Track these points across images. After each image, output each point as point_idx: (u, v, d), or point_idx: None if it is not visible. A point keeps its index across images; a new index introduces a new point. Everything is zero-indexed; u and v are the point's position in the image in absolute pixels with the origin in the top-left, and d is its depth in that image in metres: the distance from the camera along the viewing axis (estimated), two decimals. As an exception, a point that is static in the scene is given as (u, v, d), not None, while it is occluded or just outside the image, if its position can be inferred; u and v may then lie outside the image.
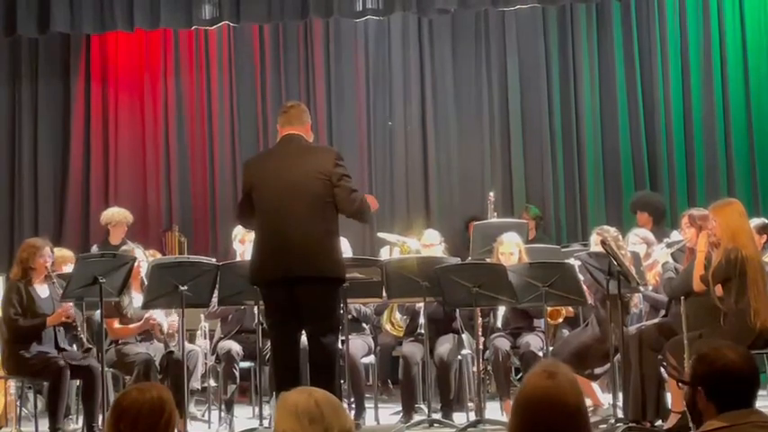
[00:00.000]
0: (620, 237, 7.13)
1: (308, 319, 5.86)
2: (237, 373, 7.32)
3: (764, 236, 7.51)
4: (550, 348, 7.07)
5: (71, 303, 6.97)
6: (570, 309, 7.48)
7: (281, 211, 5.85)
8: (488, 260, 7.62)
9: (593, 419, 6.86)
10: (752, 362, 3.06)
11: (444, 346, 7.35)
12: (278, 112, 6.33)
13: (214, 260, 7.63)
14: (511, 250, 7.44)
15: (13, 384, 7.57)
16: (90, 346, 7.13)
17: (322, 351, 5.84)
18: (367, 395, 7.61)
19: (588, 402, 7.11)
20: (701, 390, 3.05)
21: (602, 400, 7.14)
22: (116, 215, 9.34)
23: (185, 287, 6.63)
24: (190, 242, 10.68)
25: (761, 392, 3.18)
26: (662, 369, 6.45)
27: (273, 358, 6.14)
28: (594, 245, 7.15)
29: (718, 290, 6.10)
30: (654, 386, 6.54)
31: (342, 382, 6.66)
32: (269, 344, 7.25)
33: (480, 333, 7.26)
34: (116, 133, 11.04)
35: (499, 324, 7.48)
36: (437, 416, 7.13)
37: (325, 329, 5.87)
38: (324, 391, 2.87)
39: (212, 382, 7.65)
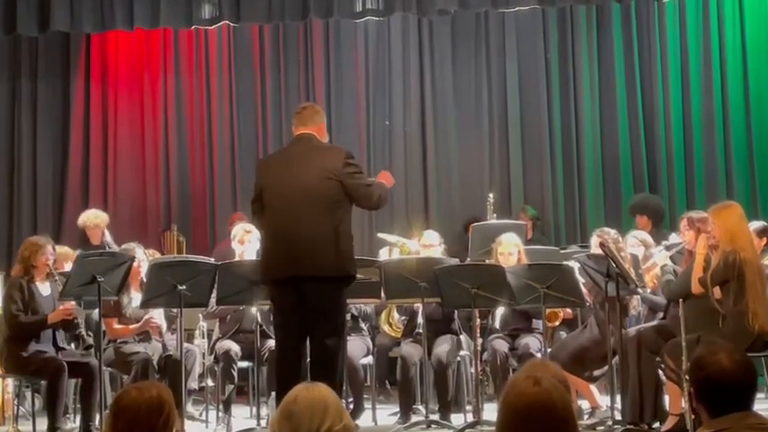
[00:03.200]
0: (620, 239, 7.14)
1: (313, 318, 5.85)
2: (236, 374, 7.33)
3: (764, 239, 7.52)
4: (548, 350, 7.06)
5: (73, 302, 6.98)
6: (568, 311, 7.47)
7: (288, 210, 5.88)
8: (488, 261, 7.62)
9: (591, 421, 6.88)
10: (746, 369, 3.05)
11: (442, 347, 7.34)
12: (292, 114, 6.39)
13: (213, 260, 7.63)
14: (510, 250, 7.44)
15: (10, 383, 7.57)
16: (92, 343, 7.13)
17: (325, 352, 5.84)
18: (365, 396, 7.61)
19: (586, 404, 7.12)
20: (693, 391, 3.07)
21: (601, 401, 7.14)
22: (93, 218, 9.29)
23: (184, 287, 6.63)
24: (188, 241, 10.69)
25: (759, 395, 3.18)
26: (660, 371, 6.45)
27: (277, 360, 6.10)
28: (595, 246, 7.15)
29: (717, 292, 6.10)
30: (652, 388, 6.53)
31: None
32: (267, 344, 7.27)
33: (479, 334, 7.26)
34: (115, 132, 11.05)
35: (497, 325, 7.47)
36: (435, 417, 7.12)
37: (330, 331, 5.87)
38: (318, 387, 2.87)
39: (210, 382, 7.64)
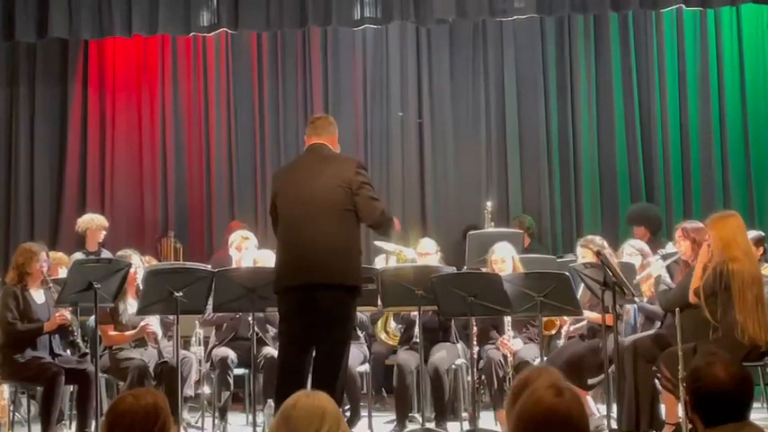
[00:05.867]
0: (606, 245, 7.14)
1: (322, 326, 5.80)
2: (231, 380, 7.32)
3: (761, 248, 7.52)
4: (545, 359, 7.06)
5: (68, 309, 6.97)
6: (565, 319, 7.47)
7: (300, 219, 5.84)
8: (484, 270, 7.62)
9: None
10: (742, 380, 3.05)
11: (439, 355, 7.34)
12: (306, 124, 6.40)
13: (209, 267, 7.63)
14: (503, 259, 7.45)
15: (6, 389, 7.55)
16: (86, 351, 7.12)
17: (329, 360, 5.81)
18: (361, 404, 7.60)
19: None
20: (689, 401, 3.08)
21: (594, 410, 7.13)
22: (93, 222, 9.30)
23: (180, 293, 6.62)
24: (185, 248, 10.69)
25: (756, 405, 3.19)
26: (656, 380, 6.45)
27: (279, 368, 6.02)
28: (582, 257, 7.16)
29: (704, 303, 6.09)
30: (648, 397, 6.53)
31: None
32: (263, 351, 7.27)
33: (475, 342, 7.25)
34: (113, 139, 11.06)
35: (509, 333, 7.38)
36: (431, 425, 7.12)
37: (336, 339, 5.84)
38: (318, 396, 2.88)
39: (206, 389, 7.64)
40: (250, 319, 7.03)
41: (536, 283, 6.73)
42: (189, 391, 7.29)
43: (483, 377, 7.37)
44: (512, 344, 7.25)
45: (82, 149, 11.03)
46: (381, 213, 5.96)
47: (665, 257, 7.00)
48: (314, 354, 5.90)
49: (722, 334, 6.03)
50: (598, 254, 6.62)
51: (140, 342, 7.36)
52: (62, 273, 7.64)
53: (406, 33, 10.91)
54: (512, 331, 7.29)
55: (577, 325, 7.27)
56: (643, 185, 10.62)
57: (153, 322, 7.30)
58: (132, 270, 7.14)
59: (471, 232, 8.89)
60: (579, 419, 2.66)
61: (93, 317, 7.03)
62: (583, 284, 6.99)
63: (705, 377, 3.03)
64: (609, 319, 6.65)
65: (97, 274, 6.63)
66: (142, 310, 6.97)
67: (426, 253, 7.85)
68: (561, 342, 7.52)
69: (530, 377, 3.11)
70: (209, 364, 7.50)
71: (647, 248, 7.55)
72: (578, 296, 6.99)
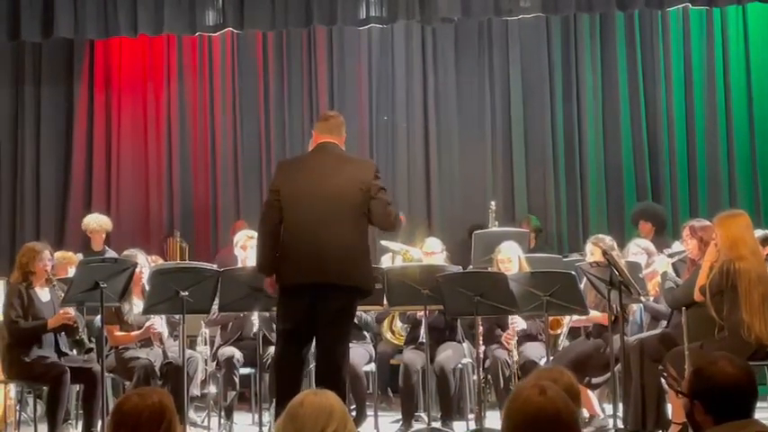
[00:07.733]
0: (615, 245, 7.14)
1: (326, 325, 5.79)
2: (237, 380, 7.32)
3: (767, 248, 7.50)
4: (551, 358, 7.05)
5: (74, 307, 6.98)
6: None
7: (316, 219, 5.76)
8: (490, 269, 7.61)
9: (588, 429, 6.86)
10: (749, 374, 3.06)
11: (444, 354, 7.34)
12: (317, 118, 6.37)
13: (215, 266, 7.63)
14: (509, 258, 7.44)
15: (12, 389, 7.56)
16: (91, 346, 7.12)
17: (333, 359, 5.80)
18: (367, 403, 7.60)
19: (584, 412, 7.10)
20: (698, 404, 3.05)
21: (599, 410, 7.11)
22: (96, 222, 9.30)
23: (186, 293, 6.62)
24: (191, 248, 10.70)
25: (760, 404, 3.18)
26: (662, 380, 6.43)
27: (277, 366, 6.03)
28: (591, 255, 7.14)
29: (710, 301, 6.08)
30: (654, 396, 6.52)
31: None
32: (269, 350, 7.26)
33: (481, 342, 7.24)
34: (118, 138, 11.08)
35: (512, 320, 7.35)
36: (437, 424, 7.11)
37: (340, 338, 5.84)
38: (326, 394, 2.88)
39: (212, 389, 7.64)
40: (255, 317, 7.03)
41: (542, 283, 6.71)
42: (195, 390, 7.29)
43: (489, 376, 7.36)
44: (515, 324, 7.21)
45: (88, 149, 11.05)
46: (396, 218, 6.01)
47: (671, 256, 6.99)
48: (315, 353, 5.92)
49: (728, 333, 6.02)
50: (605, 253, 6.61)
51: (146, 341, 7.36)
52: (71, 272, 7.65)
53: (412, 33, 10.92)
54: (516, 316, 7.22)
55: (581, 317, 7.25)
56: (649, 185, 10.62)
57: (158, 322, 7.30)
58: (138, 269, 7.13)
59: (477, 231, 8.88)
60: (567, 415, 2.66)
61: (98, 316, 7.03)
62: (587, 283, 6.97)
63: (715, 375, 3.01)
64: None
65: (103, 274, 6.63)
66: (148, 310, 6.96)
67: (432, 252, 7.84)
68: (566, 337, 7.50)
69: (539, 377, 3.11)
70: (214, 363, 7.49)
71: (652, 247, 7.53)
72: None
